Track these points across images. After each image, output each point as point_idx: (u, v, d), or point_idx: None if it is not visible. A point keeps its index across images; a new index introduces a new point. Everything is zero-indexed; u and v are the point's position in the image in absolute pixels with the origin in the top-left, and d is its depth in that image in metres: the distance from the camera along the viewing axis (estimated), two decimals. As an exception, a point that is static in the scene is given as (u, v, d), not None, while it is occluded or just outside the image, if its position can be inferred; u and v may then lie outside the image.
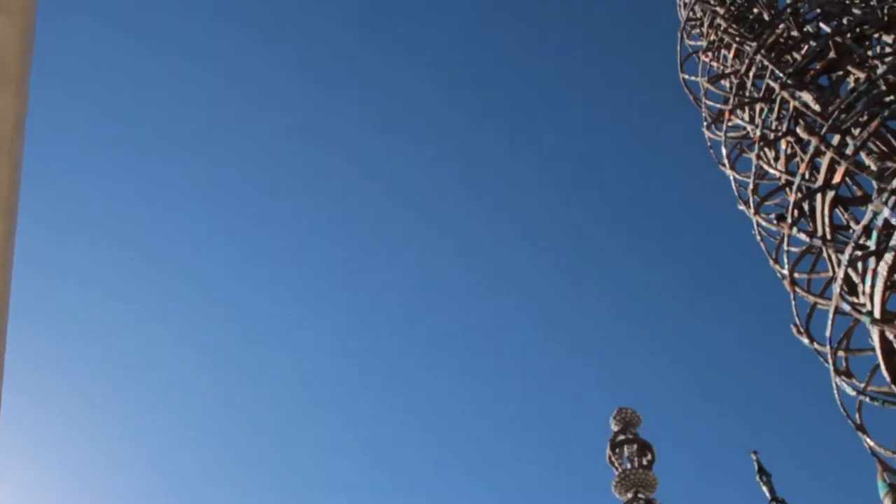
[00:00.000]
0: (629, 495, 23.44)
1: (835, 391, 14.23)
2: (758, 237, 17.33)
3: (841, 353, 14.57)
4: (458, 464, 75.58)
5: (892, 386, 13.23)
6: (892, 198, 12.62)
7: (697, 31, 24.18)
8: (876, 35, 16.85)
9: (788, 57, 18.65)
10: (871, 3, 17.39)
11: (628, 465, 24.44)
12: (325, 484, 73.43)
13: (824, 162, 14.94)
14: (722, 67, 21.67)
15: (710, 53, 22.16)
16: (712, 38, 22.35)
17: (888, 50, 16.21)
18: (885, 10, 16.69)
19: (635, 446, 25.05)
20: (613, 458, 25.04)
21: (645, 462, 24.69)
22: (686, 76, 23.11)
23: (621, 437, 25.32)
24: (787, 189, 17.03)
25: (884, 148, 15.36)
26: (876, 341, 13.30)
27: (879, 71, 14.67)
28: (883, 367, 13.35)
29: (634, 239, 79.90)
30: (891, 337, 12.89)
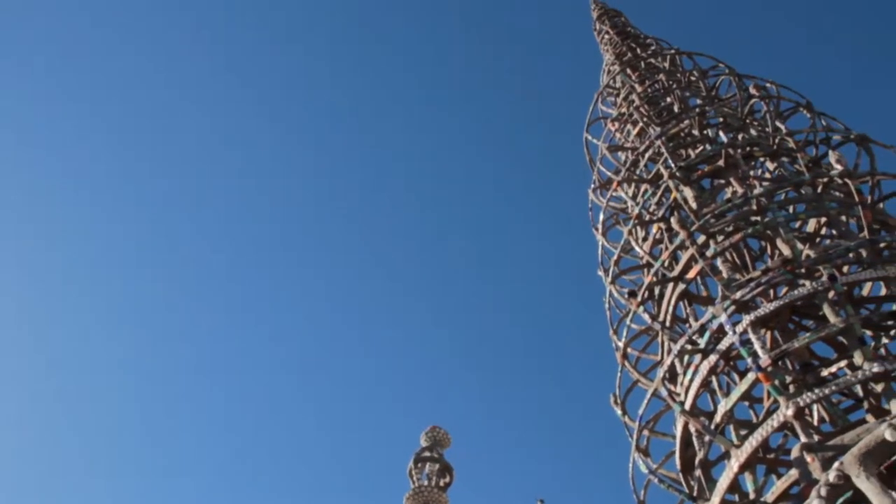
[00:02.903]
0: (418, 511, 23.91)
1: (630, 465, 15.10)
2: (606, 305, 18.14)
3: (646, 432, 15.46)
4: (260, 466, 74.57)
5: (680, 474, 14.16)
6: (732, 307, 13.58)
7: (612, 99, 25.21)
8: (762, 158, 18.14)
9: (683, 151, 19.76)
10: (766, 130, 18.72)
11: (426, 483, 24.88)
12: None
13: (685, 256, 15.87)
14: (623, 140, 22.67)
15: (616, 123, 23.13)
16: (623, 110, 23.36)
17: (768, 175, 17.48)
18: (776, 140, 18.01)
19: (437, 466, 25.53)
20: (414, 473, 25.43)
21: (442, 483, 25.19)
22: (589, 137, 24.01)
23: (426, 454, 25.77)
24: (646, 270, 17.98)
25: (738, 261, 16.54)
26: (679, 430, 14.20)
27: (756, 191, 15.77)
28: (678, 455, 14.27)
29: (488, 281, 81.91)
30: (692, 430, 13.80)
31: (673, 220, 15.88)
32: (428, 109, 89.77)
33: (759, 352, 12.53)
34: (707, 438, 13.38)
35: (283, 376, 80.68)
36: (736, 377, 14.88)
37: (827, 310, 12.80)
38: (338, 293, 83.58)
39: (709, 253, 15.12)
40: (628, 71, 25.02)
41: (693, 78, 22.83)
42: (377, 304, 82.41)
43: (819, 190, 15.79)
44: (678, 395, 14.13)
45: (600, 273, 18.96)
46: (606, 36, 29.86)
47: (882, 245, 13.87)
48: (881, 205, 15.96)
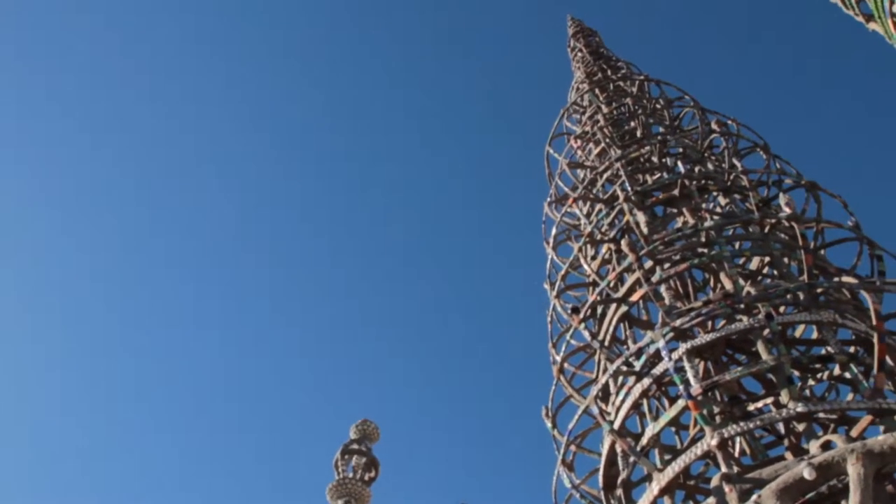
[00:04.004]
0: (340, 502, 23.81)
1: (554, 478, 15.29)
2: (548, 319, 18.33)
3: (573, 447, 15.66)
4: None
5: (602, 492, 14.38)
6: (670, 334, 13.84)
7: (577, 116, 25.52)
8: (716, 193, 18.54)
9: (641, 176, 20.09)
10: (723, 166, 19.16)
11: (350, 475, 24.80)
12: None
13: (630, 279, 16.13)
14: (584, 158, 22.97)
15: (579, 141, 23.42)
16: (587, 129, 23.67)
17: (719, 210, 17.87)
18: (731, 177, 18.43)
19: (364, 460, 25.48)
20: (340, 464, 25.33)
21: (367, 478, 25.14)
22: (551, 150, 24.27)
23: (354, 447, 25.71)
24: (591, 288, 18.23)
25: (681, 289, 16.86)
26: (605, 449, 14.40)
27: (706, 224, 16.12)
28: (601, 472, 14.47)
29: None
30: (618, 450, 14.02)
31: (623, 243, 16.12)
32: (391, 108, 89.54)
33: (692, 380, 12.79)
34: (632, 459, 13.60)
35: (220, 363, 79.64)
36: (666, 403, 15.15)
37: (760, 346, 13.12)
38: (298, 286, 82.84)
39: (654, 278, 15.38)
40: (597, 91, 25.35)
41: (658, 106, 23.23)
42: (334, 300, 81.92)
43: (766, 230, 16.20)
44: (609, 414, 14.34)
45: (546, 286, 19.16)
46: (580, 54, 30.21)
47: (819, 290, 14.28)
48: (823, 251, 16.45)
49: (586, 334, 16.13)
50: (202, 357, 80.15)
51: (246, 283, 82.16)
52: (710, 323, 14.70)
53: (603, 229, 18.77)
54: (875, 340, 12.24)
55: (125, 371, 79.30)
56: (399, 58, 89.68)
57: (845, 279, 15.09)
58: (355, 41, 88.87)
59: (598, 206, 19.67)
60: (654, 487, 12.47)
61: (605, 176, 20.28)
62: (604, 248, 18.52)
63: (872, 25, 24.63)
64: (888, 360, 12.67)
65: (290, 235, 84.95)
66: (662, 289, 15.94)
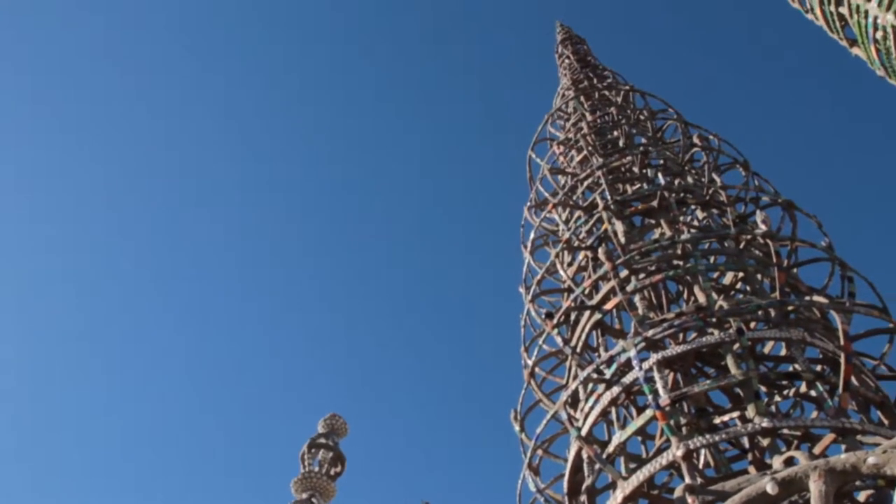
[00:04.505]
0: (304, 496, 23.73)
1: (519, 482, 15.34)
2: (522, 322, 18.38)
3: (539, 452, 15.72)
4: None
5: (566, 497, 14.45)
6: (642, 344, 13.94)
7: (561, 122, 25.63)
8: (694, 206, 18.70)
9: (621, 186, 20.21)
10: (702, 180, 19.32)
11: (316, 469, 24.73)
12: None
13: (605, 287, 16.22)
14: (565, 164, 23.06)
15: (562, 147, 23.51)
16: (570, 135, 23.77)
17: (696, 223, 18.02)
18: (709, 192, 18.60)
19: (331, 454, 25.40)
20: (306, 458, 25.26)
21: (333, 472, 25.08)
22: (533, 155, 24.34)
23: (321, 441, 25.62)
24: (566, 294, 18.30)
25: (654, 300, 16.98)
26: (571, 455, 14.47)
27: (682, 237, 16.24)
28: (566, 478, 14.54)
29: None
30: (584, 456, 14.09)
31: (600, 251, 16.19)
32: (384, 108, 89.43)
33: (661, 391, 12.87)
34: (597, 466, 13.66)
35: (205, 356, 78.98)
36: (634, 412, 15.25)
37: (730, 360, 13.24)
38: (286, 286, 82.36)
39: (629, 288, 15.47)
40: (582, 98, 25.47)
41: (642, 117, 23.39)
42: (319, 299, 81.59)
43: (741, 246, 16.35)
44: (577, 420, 14.40)
45: (521, 290, 19.20)
46: (567, 61, 30.37)
47: (790, 308, 14.45)
48: (795, 270, 16.63)
49: (559, 340, 16.18)
50: (172, 350, 79.60)
51: (217, 279, 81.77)
52: (681, 335, 14.82)
53: (581, 236, 18.86)
54: (842, 360, 12.39)
55: (96, 368, 78.57)
56: (395, 61, 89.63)
57: (816, 298, 15.28)
58: (352, 44, 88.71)
59: (577, 213, 19.75)
60: (618, 495, 12.53)
61: (585, 183, 20.37)
62: (581, 255, 18.61)
63: (856, 50, 24.99)
64: (853, 380, 12.85)
65: (266, 235, 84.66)
66: (636, 298, 16.04)
